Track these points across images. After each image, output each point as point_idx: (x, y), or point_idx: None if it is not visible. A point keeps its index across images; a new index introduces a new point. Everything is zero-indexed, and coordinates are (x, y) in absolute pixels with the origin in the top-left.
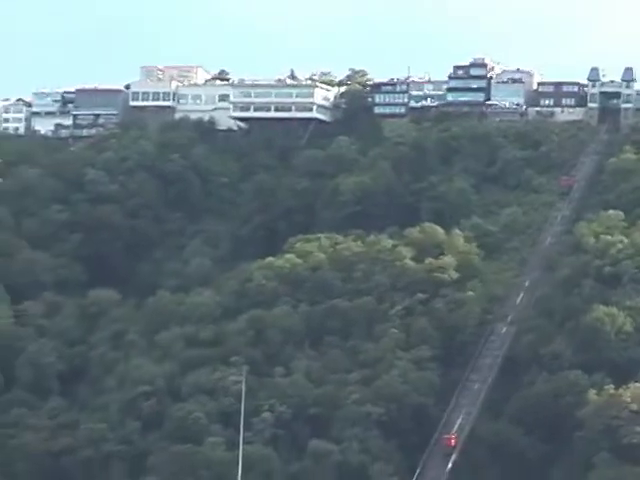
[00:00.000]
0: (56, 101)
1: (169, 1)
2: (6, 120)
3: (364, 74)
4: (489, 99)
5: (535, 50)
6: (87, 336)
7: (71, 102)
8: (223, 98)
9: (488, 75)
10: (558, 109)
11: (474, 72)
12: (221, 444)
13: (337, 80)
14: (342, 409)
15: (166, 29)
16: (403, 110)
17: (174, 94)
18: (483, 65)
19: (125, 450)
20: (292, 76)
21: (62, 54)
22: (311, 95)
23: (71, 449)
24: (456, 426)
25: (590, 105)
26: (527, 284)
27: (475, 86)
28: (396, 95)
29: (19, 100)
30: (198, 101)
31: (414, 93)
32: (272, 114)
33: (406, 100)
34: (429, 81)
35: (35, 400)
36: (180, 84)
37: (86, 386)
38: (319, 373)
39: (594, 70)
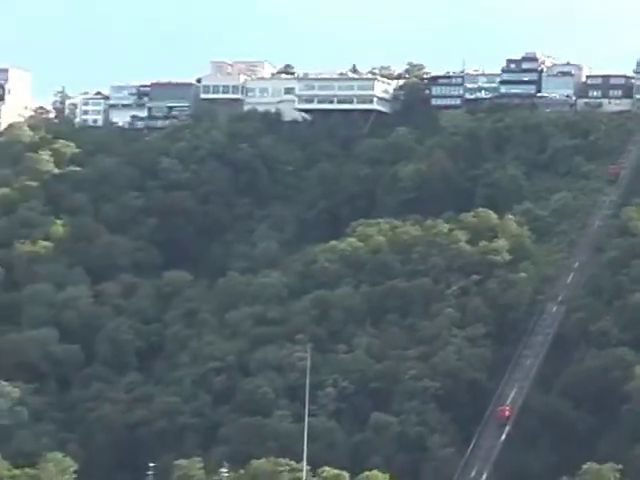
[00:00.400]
0: (132, 94)
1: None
2: (85, 112)
3: (421, 68)
4: (540, 91)
5: (583, 43)
6: (162, 315)
7: (146, 95)
8: (288, 91)
9: (539, 68)
10: (606, 100)
11: (526, 66)
12: (288, 417)
13: (396, 74)
14: (401, 384)
15: (234, 26)
16: (458, 102)
17: (242, 87)
18: (534, 59)
19: (198, 422)
20: (354, 70)
21: (137, 50)
22: (371, 88)
23: (147, 421)
24: (509, 399)
25: (637, 96)
26: (576, 265)
27: (527, 79)
28: (452, 88)
29: (97, 93)
30: (265, 94)
31: (469, 86)
32: (335, 106)
33: (461, 92)
34: (483, 74)
35: (113, 375)
36: (248, 78)
37: (161, 362)
38: (379, 350)
39: None
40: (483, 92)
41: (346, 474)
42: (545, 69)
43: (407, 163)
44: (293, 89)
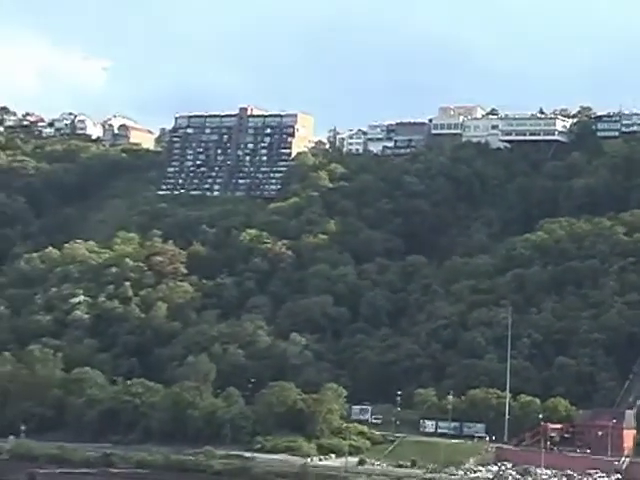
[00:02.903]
0: (383, 130)
1: (454, 59)
2: (350, 144)
3: (589, 109)
4: None
5: None
6: (405, 286)
7: (393, 131)
8: (494, 127)
9: None
10: None
11: None
12: (495, 359)
13: (571, 113)
14: (577, 335)
15: (455, 78)
16: (617, 134)
17: (461, 125)
18: None
19: (431, 363)
20: (541, 111)
21: (387, 97)
22: (554, 124)
23: (395, 361)
24: None
25: None
26: None
27: None
28: (612, 123)
29: (359, 130)
30: (477, 130)
31: (625, 122)
32: (527, 137)
33: (619, 127)
34: (635, 113)
35: (371, 329)
36: (465, 118)
37: (405, 320)
38: (561, 311)
39: None
40: (635, 126)
41: (537, 400)
42: None
43: (579, 178)
44: (497, 126)
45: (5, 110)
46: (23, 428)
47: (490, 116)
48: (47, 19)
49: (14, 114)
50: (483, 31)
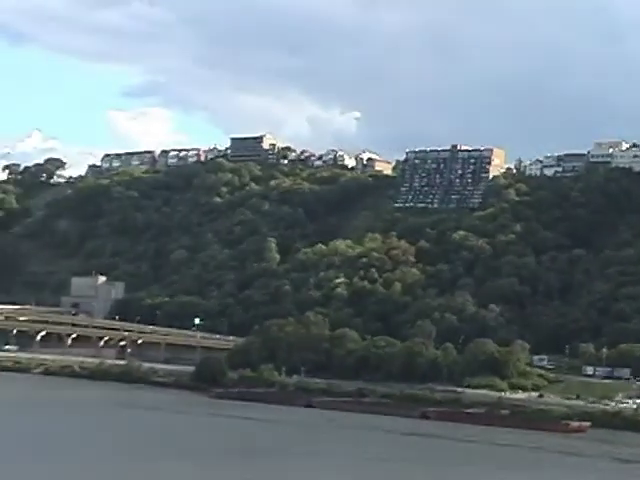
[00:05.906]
0: (554, 159)
1: (601, 103)
2: (530, 169)
3: None
4: None
5: None
6: (571, 271)
7: (562, 160)
8: (636, 156)
9: None
10: None
11: None
12: (638, 323)
13: None
14: None
15: (605, 120)
16: None
17: (611, 155)
18: None
19: (590, 325)
20: None
21: (556, 135)
22: None
23: (564, 324)
24: None
25: None
26: None
27: None
28: None
29: (537, 160)
30: (623, 158)
31: None
32: None
33: None
34: None
35: (547, 301)
36: (614, 150)
37: (571, 295)
38: None
39: None
40: None
41: None
42: None
43: None
44: (638, 155)
45: (289, 149)
46: (303, 369)
47: (633, 148)
48: (313, 85)
49: (294, 151)
50: (625, 82)
